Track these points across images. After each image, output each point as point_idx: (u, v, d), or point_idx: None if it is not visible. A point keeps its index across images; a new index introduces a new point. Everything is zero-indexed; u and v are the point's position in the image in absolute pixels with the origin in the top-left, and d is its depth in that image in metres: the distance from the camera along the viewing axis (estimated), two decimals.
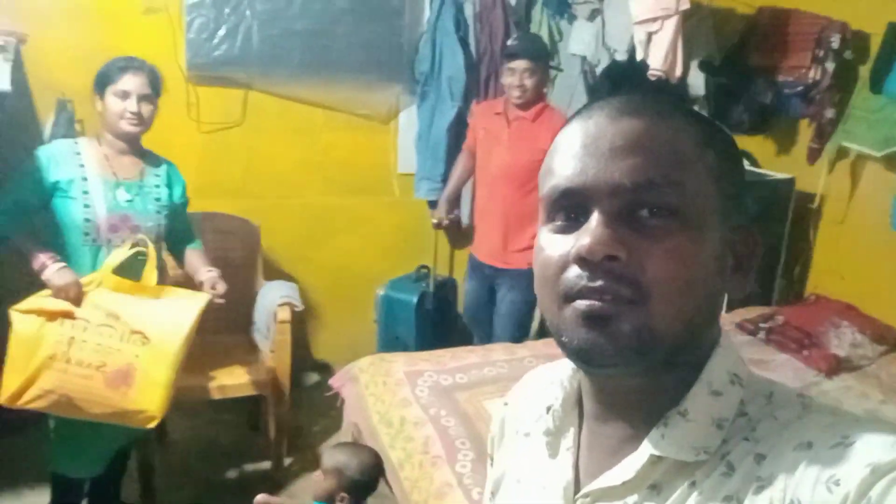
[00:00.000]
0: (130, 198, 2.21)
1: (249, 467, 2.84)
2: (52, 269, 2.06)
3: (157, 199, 2.28)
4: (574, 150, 0.61)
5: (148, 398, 2.16)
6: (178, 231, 2.39)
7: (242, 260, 3.04)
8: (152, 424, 2.20)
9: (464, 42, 3.31)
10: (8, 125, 2.04)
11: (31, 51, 2.59)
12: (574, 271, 0.59)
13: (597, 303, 0.58)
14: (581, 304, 0.58)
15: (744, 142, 3.66)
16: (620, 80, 3.51)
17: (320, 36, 3.16)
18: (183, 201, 2.40)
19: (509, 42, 3.11)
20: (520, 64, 2.77)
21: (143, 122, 2.18)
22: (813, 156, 3.21)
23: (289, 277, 3.27)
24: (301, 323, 3.44)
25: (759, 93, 3.38)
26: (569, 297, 0.59)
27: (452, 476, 1.92)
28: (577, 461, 0.69)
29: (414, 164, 3.47)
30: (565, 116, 2.89)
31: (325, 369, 3.50)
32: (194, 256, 2.42)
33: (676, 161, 0.59)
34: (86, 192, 2.13)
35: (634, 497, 0.61)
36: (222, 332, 2.97)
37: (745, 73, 3.46)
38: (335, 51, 3.21)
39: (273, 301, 2.77)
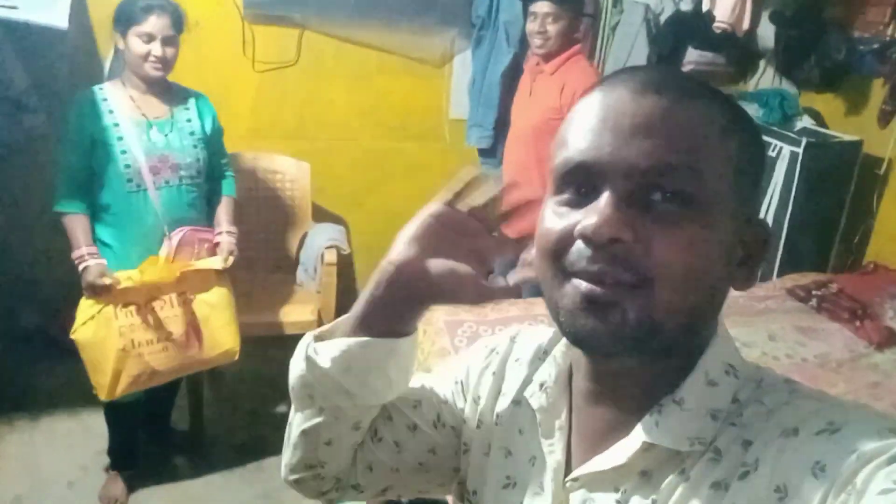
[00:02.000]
0: (165, 136, 2.21)
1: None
2: (88, 264, 2.10)
3: (192, 133, 2.28)
4: (592, 123, 0.58)
5: (221, 340, 2.35)
6: (214, 164, 2.39)
7: (292, 201, 3.09)
8: (234, 359, 2.41)
9: None
10: (70, 62, 2.07)
11: None
12: (577, 248, 0.57)
13: (597, 288, 0.56)
14: (581, 284, 0.57)
15: (812, 99, 3.50)
16: (684, 32, 3.38)
17: None
18: (216, 130, 2.38)
19: None
20: (541, 6, 2.52)
21: (168, 64, 2.16)
22: (885, 118, 3.05)
23: (339, 220, 3.31)
24: (349, 265, 3.49)
25: (832, 48, 3.20)
26: (569, 273, 0.57)
27: (450, 345, 1.96)
28: (567, 442, 0.68)
29: (466, 111, 3.43)
30: (593, 70, 2.68)
31: None
32: (222, 209, 2.42)
33: (697, 146, 0.56)
34: (120, 139, 2.13)
35: (625, 484, 0.62)
36: (272, 270, 3.05)
37: (818, 27, 3.27)
38: None
39: (320, 243, 2.82)
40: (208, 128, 2.33)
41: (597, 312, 0.56)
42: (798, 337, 2.56)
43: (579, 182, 0.59)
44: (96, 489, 2.42)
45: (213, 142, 2.36)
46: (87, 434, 2.64)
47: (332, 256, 2.75)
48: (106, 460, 2.47)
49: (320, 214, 3.25)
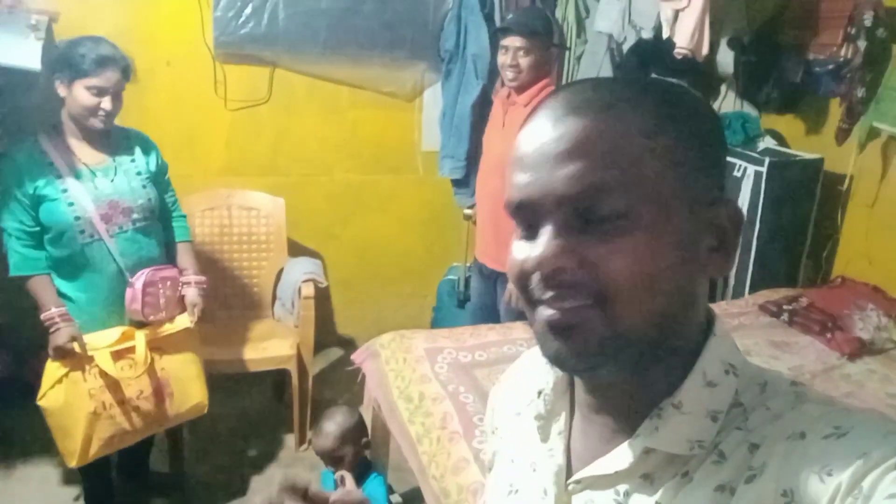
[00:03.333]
0: (111, 182, 2.13)
1: (274, 438, 2.91)
2: (60, 327, 2.05)
3: (138, 174, 2.21)
4: (521, 158, 0.60)
5: (191, 394, 2.34)
6: (164, 202, 2.34)
7: (268, 236, 3.09)
8: (204, 412, 2.40)
9: (489, 19, 3.29)
10: (40, 103, 2.06)
11: (62, 29, 2.63)
12: (534, 279, 0.59)
13: (557, 313, 0.58)
14: (544, 312, 0.59)
15: (772, 120, 3.60)
16: (647, 60, 3.47)
17: (346, 14, 3.17)
18: (161, 167, 2.32)
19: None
20: (513, 41, 2.51)
21: (113, 117, 2.08)
22: (842, 136, 3.15)
23: (314, 254, 3.32)
24: (325, 299, 3.50)
25: (789, 70, 3.32)
26: (536, 302, 0.60)
27: (469, 451, 1.95)
28: (568, 446, 0.69)
29: (438, 142, 3.48)
30: None
31: (349, 345, 3.56)
32: (182, 257, 2.39)
33: (621, 159, 0.56)
34: (65, 191, 2.05)
35: (625, 486, 0.62)
36: (249, 307, 3.04)
37: (774, 51, 3.39)
38: (361, 29, 3.22)
39: (297, 277, 2.82)
40: (153, 165, 2.27)
41: (560, 336, 0.58)
42: (772, 351, 2.60)
43: (524, 218, 0.61)
44: None
45: (159, 179, 2.31)
46: (63, 480, 2.58)
47: (309, 290, 2.76)
48: None
49: (296, 249, 3.26)
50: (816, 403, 0.59)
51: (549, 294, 0.57)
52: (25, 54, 2.00)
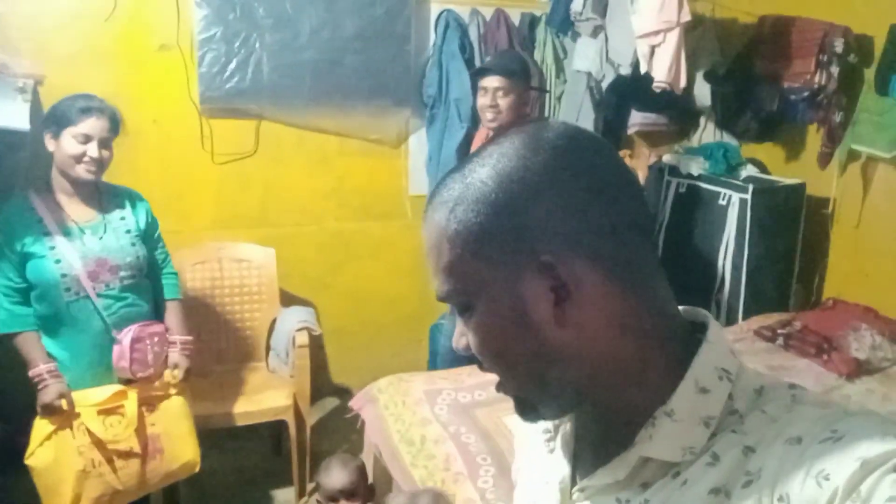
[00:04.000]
0: (100, 239, 2.12)
1: (274, 492, 2.86)
2: (48, 384, 2.03)
3: (128, 231, 2.20)
4: None
5: (181, 452, 2.29)
6: (153, 260, 2.32)
7: (260, 287, 3.09)
8: (195, 470, 2.34)
9: (469, 64, 3.36)
10: (30, 163, 2.07)
11: (48, 91, 2.66)
12: None
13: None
14: None
15: (752, 149, 3.67)
16: (627, 96, 3.55)
17: (329, 65, 3.22)
18: (151, 223, 2.31)
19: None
20: (492, 81, 2.53)
21: (102, 167, 2.08)
22: (824, 160, 3.21)
23: (307, 303, 3.31)
24: (320, 348, 3.48)
25: (766, 100, 3.39)
26: None
27: (475, 492, 1.93)
28: (572, 456, 0.71)
29: (425, 187, 3.51)
30: None
31: (345, 393, 3.52)
32: (170, 317, 2.35)
33: (446, 267, 0.63)
34: (52, 248, 2.04)
35: (626, 494, 0.63)
36: (243, 360, 3.02)
37: (750, 82, 3.48)
38: (344, 78, 3.26)
39: (291, 326, 2.80)
40: (143, 222, 2.25)
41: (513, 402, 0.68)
42: (770, 375, 2.60)
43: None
44: None
45: (149, 236, 2.30)
46: None
47: (303, 338, 2.74)
48: None
49: (288, 299, 3.25)
50: (813, 406, 0.59)
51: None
52: (13, 115, 2.03)
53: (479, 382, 2.47)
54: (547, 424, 0.73)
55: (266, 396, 2.75)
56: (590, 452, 0.68)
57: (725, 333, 2.43)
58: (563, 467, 0.70)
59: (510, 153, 0.60)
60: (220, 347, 2.99)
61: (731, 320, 3.22)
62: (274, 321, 3.04)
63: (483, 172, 0.60)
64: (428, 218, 0.64)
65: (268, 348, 3.03)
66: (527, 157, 0.60)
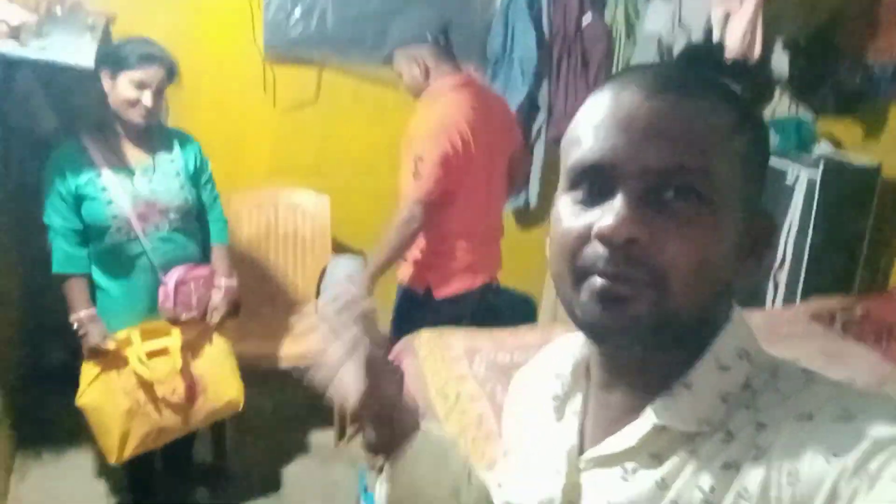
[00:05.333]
0: (150, 181, 2.16)
1: (314, 432, 2.94)
2: (88, 329, 2.11)
3: (177, 175, 2.23)
4: (604, 122, 0.60)
5: (224, 391, 2.36)
6: (203, 202, 2.36)
7: (312, 234, 3.14)
8: (239, 409, 2.41)
9: (536, 22, 3.28)
10: (86, 103, 2.12)
11: (118, 31, 2.72)
12: (594, 247, 0.59)
13: (614, 284, 0.58)
14: (598, 281, 0.58)
15: (829, 125, 3.49)
16: (696, 63, 3.41)
17: (393, 16, 3.19)
18: (202, 165, 2.33)
19: None
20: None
21: (154, 115, 2.12)
22: None
23: (358, 254, 3.34)
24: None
25: (847, 74, 3.21)
26: (587, 272, 0.59)
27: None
28: (582, 426, 0.70)
29: None
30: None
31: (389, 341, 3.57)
32: (218, 257, 2.39)
33: (709, 146, 0.58)
34: (104, 189, 2.09)
35: (633, 464, 0.63)
36: (292, 304, 3.09)
37: (831, 54, 3.29)
38: (408, 31, 3.23)
39: (339, 275, 2.84)
40: (192, 165, 2.29)
41: (613, 308, 0.58)
42: (823, 361, 2.50)
43: (592, 181, 0.60)
44: None
45: (199, 179, 2.32)
46: (111, 467, 2.65)
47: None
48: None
49: (340, 249, 3.29)
50: (825, 385, 0.59)
51: (613, 265, 0.57)
52: (80, 53, 2.07)
53: (519, 344, 2.46)
54: (557, 391, 0.72)
55: (311, 340, 2.81)
56: (598, 426, 0.68)
57: (780, 315, 2.35)
58: (571, 436, 0.70)
59: (726, 93, 0.63)
60: (271, 291, 3.07)
61: (787, 302, 3.12)
62: (325, 269, 3.09)
63: (719, 103, 0.61)
64: (694, 83, 0.61)
65: (318, 294, 3.08)
66: (733, 108, 0.62)
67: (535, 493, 0.71)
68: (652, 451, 0.62)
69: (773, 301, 3.22)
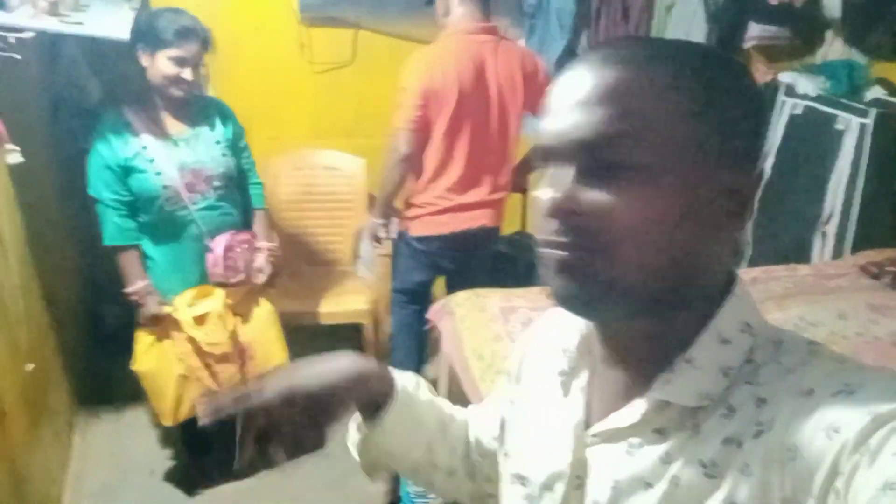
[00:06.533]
0: (194, 151, 2.21)
1: None
2: (145, 300, 2.19)
3: (218, 142, 2.28)
4: (548, 106, 0.63)
5: (272, 356, 2.43)
6: (241, 168, 2.40)
7: (350, 195, 3.19)
8: None
9: None
10: (138, 77, 2.16)
11: (156, 1, 2.75)
12: (548, 222, 0.61)
13: (565, 253, 0.60)
14: (552, 253, 0.61)
15: (884, 69, 3.33)
16: (745, 6, 3.28)
17: None
18: (238, 133, 2.37)
19: None
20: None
21: (193, 87, 2.14)
22: None
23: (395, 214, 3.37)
24: None
25: None
26: (546, 245, 0.62)
27: None
28: (588, 402, 0.71)
29: None
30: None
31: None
32: (258, 222, 2.46)
33: (642, 111, 0.58)
34: (151, 161, 2.13)
35: (638, 439, 0.64)
36: (331, 263, 3.15)
37: None
38: None
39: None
40: (231, 133, 2.33)
41: (566, 276, 0.61)
42: (870, 315, 2.44)
43: (547, 160, 0.63)
44: (176, 477, 2.57)
45: (236, 145, 2.37)
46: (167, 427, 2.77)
47: (385, 248, 2.83)
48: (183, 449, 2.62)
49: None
50: (828, 360, 0.59)
51: (559, 236, 0.60)
52: (118, 26, 2.11)
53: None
54: (563, 367, 0.74)
55: (347, 299, 2.90)
56: (603, 402, 0.69)
57: (827, 268, 2.30)
58: (577, 411, 0.71)
59: (702, 59, 0.62)
60: (310, 250, 3.14)
61: (837, 254, 3.03)
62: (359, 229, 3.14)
63: (689, 67, 0.60)
64: (634, 53, 0.60)
65: (355, 255, 3.14)
66: (718, 71, 0.62)
67: (543, 467, 0.73)
68: (656, 427, 0.63)
69: (822, 254, 3.13)
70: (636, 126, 0.57)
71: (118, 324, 3.14)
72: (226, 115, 2.35)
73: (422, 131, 2.43)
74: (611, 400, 0.68)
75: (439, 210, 2.54)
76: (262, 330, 2.44)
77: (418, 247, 2.61)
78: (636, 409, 0.63)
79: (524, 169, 2.73)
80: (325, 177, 3.17)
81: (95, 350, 3.05)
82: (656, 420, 0.63)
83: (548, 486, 0.72)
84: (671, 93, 0.58)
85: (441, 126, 2.43)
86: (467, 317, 2.44)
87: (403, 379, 0.87)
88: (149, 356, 2.27)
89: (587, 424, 0.70)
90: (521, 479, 0.76)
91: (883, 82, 3.22)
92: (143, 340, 2.28)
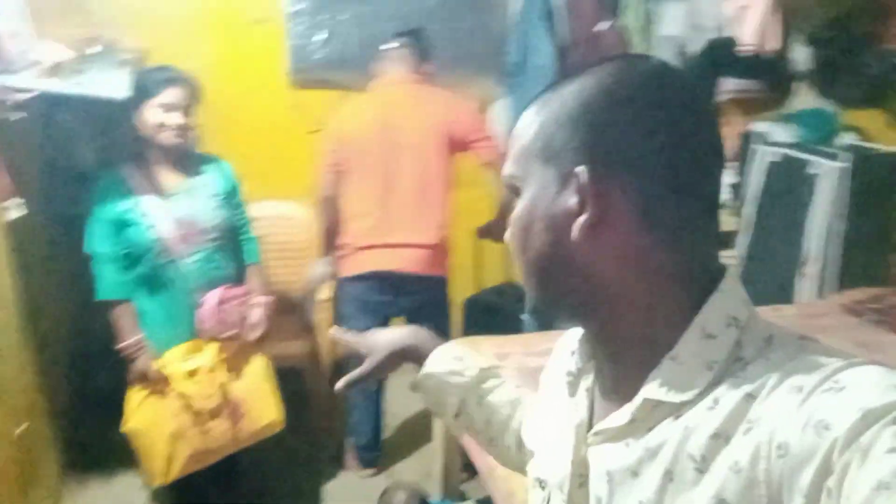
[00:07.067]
0: (188, 204, 2.22)
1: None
2: (138, 356, 2.17)
3: (213, 195, 2.29)
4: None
5: (264, 413, 2.39)
6: (236, 222, 2.41)
7: (304, 243, 3.25)
8: (280, 428, 2.44)
9: (553, 31, 3.33)
10: (133, 135, 2.22)
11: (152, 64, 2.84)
12: None
13: None
14: None
15: (855, 116, 3.47)
16: (718, 61, 3.42)
17: None
18: (234, 188, 2.39)
19: None
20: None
21: (186, 132, 2.18)
22: None
23: None
24: None
25: (869, 63, 3.20)
26: None
27: None
28: (592, 402, 0.73)
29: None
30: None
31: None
32: (253, 276, 2.45)
33: (515, 148, 0.70)
34: (145, 215, 2.15)
35: (633, 437, 0.65)
36: (286, 310, 3.13)
37: (853, 44, 3.28)
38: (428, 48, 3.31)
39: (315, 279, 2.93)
40: (227, 186, 2.36)
41: None
42: (857, 350, 2.49)
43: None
44: None
45: (232, 199, 2.39)
46: (158, 491, 2.67)
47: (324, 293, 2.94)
48: None
49: None
50: (817, 355, 0.58)
51: None
52: (116, 87, 2.18)
53: (549, 347, 2.48)
54: (570, 367, 0.76)
55: (287, 344, 2.92)
56: (603, 402, 0.71)
57: (811, 308, 2.34)
58: (581, 412, 0.73)
59: (601, 73, 0.65)
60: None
61: (820, 295, 3.09)
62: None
63: (573, 83, 0.66)
64: (525, 112, 0.71)
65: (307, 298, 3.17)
66: (611, 79, 0.64)
67: (552, 468, 0.75)
68: (650, 425, 0.64)
69: (803, 295, 3.20)
70: (517, 149, 0.70)
71: (109, 387, 3.10)
72: (222, 170, 2.38)
73: (338, 174, 2.59)
74: (610, 400, 0.70)
75: (359, 248, 2.62)
76: (256, 386, 2.40)
77: (349, 289, 2.69)
78: (626, 409, 0.65)
79: (498, 221, 2.80)
80: (279, 226, 3.22)
81: (86, 414, 3.00)
82: (648, 418, 0.64)
83: (558, 487, 0.74)
84: (525, 132, 0.70)
85: (356, 169, 2.57)
86: None
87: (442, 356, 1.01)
88: (139, 414, 2.23)
89: (591, 424, 0.72)
90: (540, 482, 0.78)
91: (853, 129, 3.35)
92: (134, 398, 2.25)
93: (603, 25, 3.36)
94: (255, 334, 2.38)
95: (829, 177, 3.05)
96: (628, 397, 0.66)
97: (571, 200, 0.63)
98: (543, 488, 0.77)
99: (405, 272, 2.60)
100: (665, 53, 3.33)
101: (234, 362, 2.37)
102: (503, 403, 0.99)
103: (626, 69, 0.65)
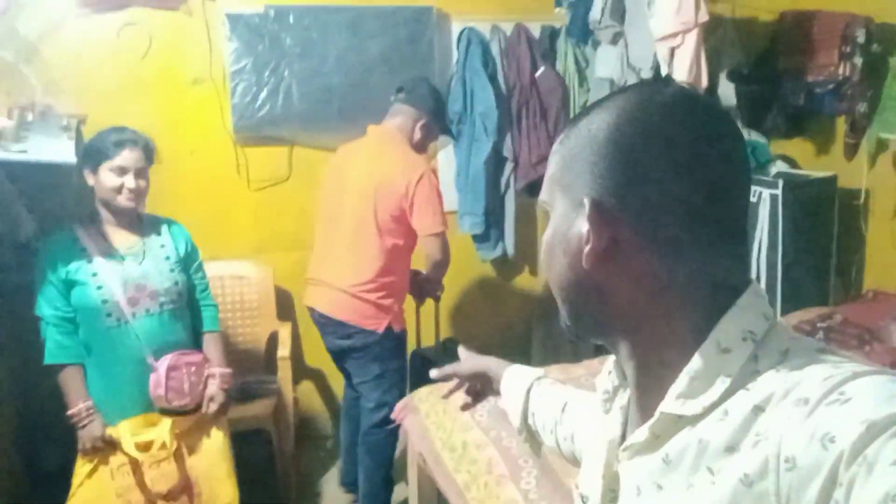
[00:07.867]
0: (139, 265, 2.16)
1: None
2: (86, 423, 2.08)
3: (167, 258, 2.23)
4: None
5: (220, 494, 2.29)
6: (192, 287, 2.35)
7: (258, 302, 3.25)
8: None
9: (493, 79, 3.42)
10: (76, 198, 2.17)
11: (91, 127, 2.77)
12: None
13: None
14: None
15: (781, 145, 3.66)
16: None
17: (356, 88, 3.32)
18: (191, 253, 2.34)
19: None
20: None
21: (140, 195, 2.13)
22: (850, 151, 3.19)
23: None
24: None
25: (791, 95, 3.39)
26: None
27: (518, 493, 1.95)
28: (626, 419, 0.75)
29: (455, 202, 3.56)
30: None
31: None
32: (210, 345, 2.36)
33: (546, 176, 0.74)
34: (95, 274, 2.09)
35: (655, 452, 0.66)
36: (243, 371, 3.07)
37: (775, 78, 3.48)
38: (371, 100, 3.32)
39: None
40: (182, 251, 2.30)
41: None
42: None
43: None
44: None
45: (189, 265, 2.33)
46: None
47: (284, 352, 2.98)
48: None
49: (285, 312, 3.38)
50: (826, 366, 0.58)
51: None
52: (60, 151, 2.13)
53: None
54: (606, 386, 0.78)
55: (251, 405, 2.90)
56: (638, 417, 0.72)
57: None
58: (614, 429, 0.75)
59: (614, 102, 0.67)
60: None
61: None
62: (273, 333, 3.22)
63: (599, 113, 0.67)
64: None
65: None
66: (635, 109, 0.65)
67: (589, 485, 0.77)
68: (669, 439, 0.64)
69: None
70: (549, 177, 0.74)
71: (54, 467, 2.95)
72: (179, 234, 2.32)
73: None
74: (641, 416, 0.70)
75: (308, 279, 2.78)
76: (213, 464, 2.29)
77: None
78: (647, 425, 0.66)
79: (426, 282, 2.89)
80: (234, 286, 3.19)
81: (31, 496, 2.83)
82: (668, 432, 0.64)
83: (594, 502, 0.76)
84: (553, 159, 0.74)
85: (320, 202, 2.78)
86: (432, 411, 2.43)
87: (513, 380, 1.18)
88: (86, 490, 2.10)
89: (622, 441, 0.73)
90: (583, 498, 0.79)
91: (783, 157, 3.52)
92: (80, 472, 2.11)
93: (540, 70, 3.47)
94: (212, 407, 2.26)
95: (765, 204, 3.18)
96: (653, 413, 0.66)
97: (583, 229, 0.65)
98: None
99: (326, 314, 2.68)
100: (602, 94, 3.45)
101: (191, 438, 2.26)
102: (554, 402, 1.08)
103: (637, 99, 0.66)
